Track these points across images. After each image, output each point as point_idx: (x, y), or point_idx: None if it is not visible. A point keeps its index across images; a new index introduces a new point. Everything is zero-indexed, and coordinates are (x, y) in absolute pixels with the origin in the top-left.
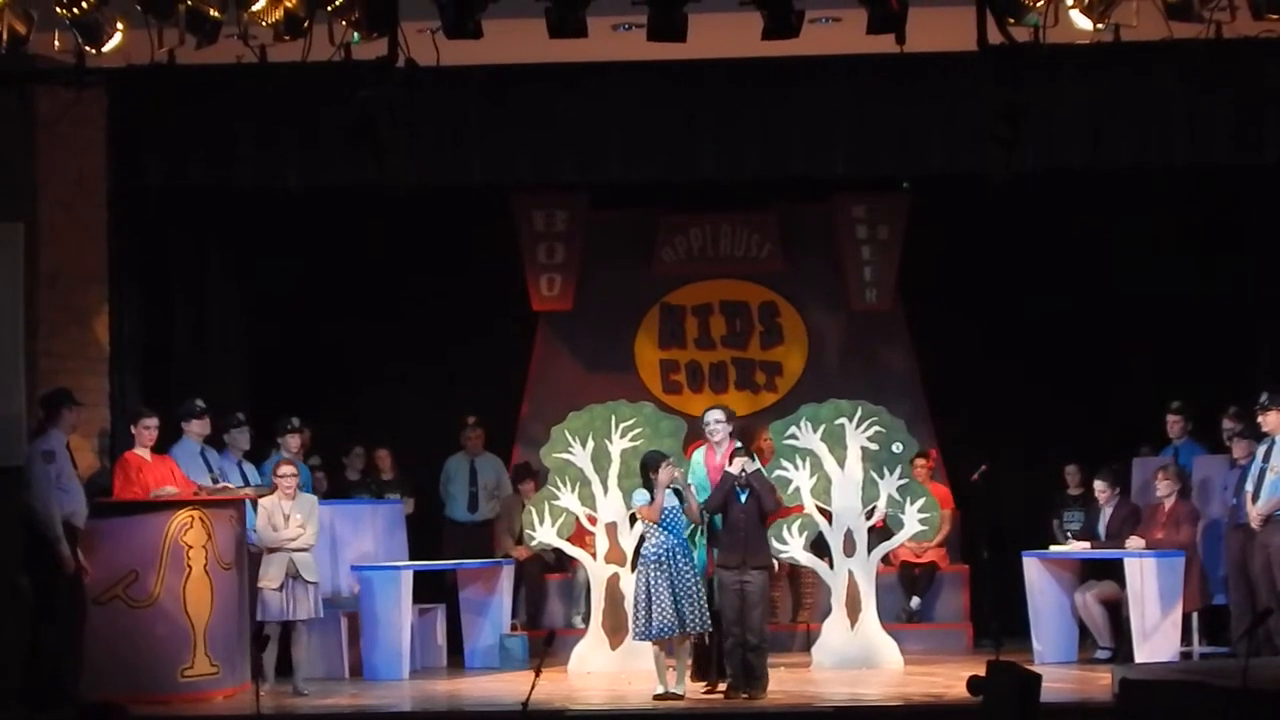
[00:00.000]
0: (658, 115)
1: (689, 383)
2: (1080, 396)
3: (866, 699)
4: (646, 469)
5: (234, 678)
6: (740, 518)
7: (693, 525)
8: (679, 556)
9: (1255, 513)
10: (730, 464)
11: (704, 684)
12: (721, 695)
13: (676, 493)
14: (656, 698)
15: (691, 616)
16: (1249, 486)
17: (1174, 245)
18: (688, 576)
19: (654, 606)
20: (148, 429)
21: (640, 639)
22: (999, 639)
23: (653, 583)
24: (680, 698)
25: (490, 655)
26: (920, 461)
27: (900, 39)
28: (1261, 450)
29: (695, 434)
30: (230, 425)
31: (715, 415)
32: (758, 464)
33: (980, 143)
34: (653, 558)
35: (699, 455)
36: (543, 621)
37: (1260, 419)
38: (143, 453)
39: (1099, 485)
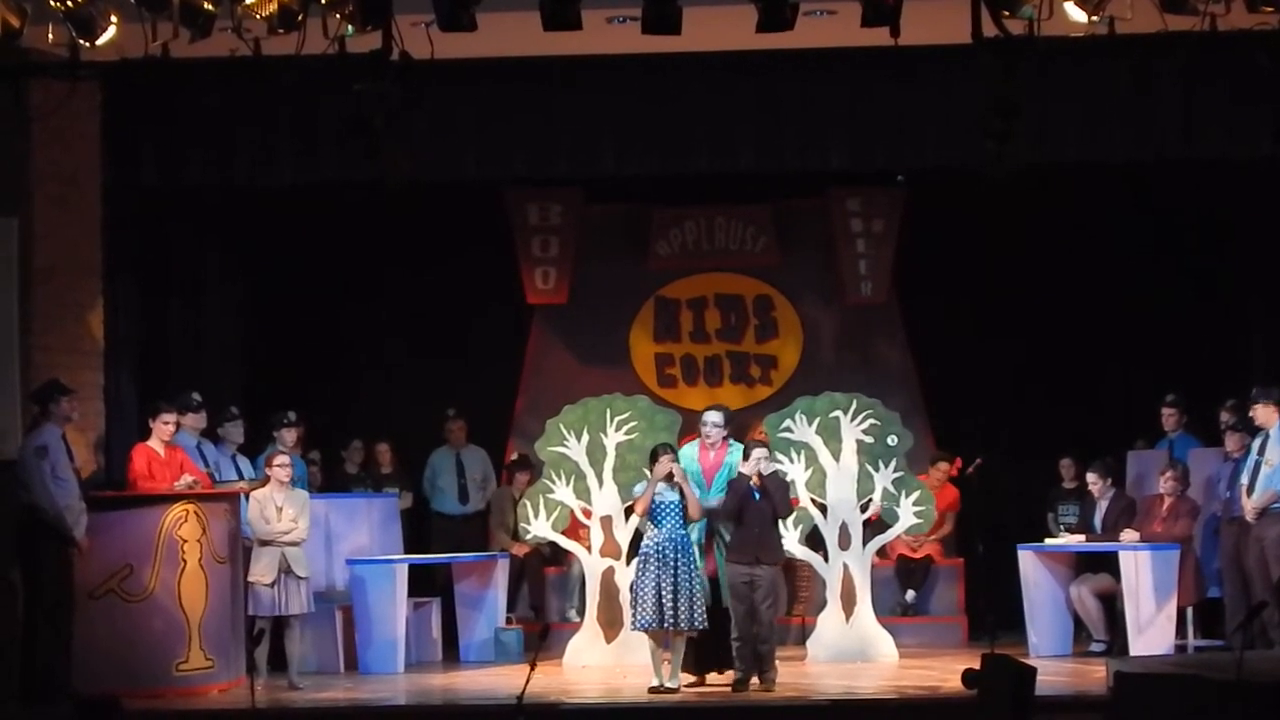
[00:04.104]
0: (652, 109)
1: (684, 376)
2: (1075, 389)
3: (861, 692)
4: (652, 460)
5: (229, 672)
6: (754, 516)
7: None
8: (670, 552)
9: (1250, 506)
10: (745, 459)
11: (695, 677)
12: (710, 688)
13: (679, 489)
14: (651, 690)
15: (674, 613)
16: (1243, 479)
17: (1169, 238)
18: (681, 573)
19: (637, 600)
20: (166, 424)
21: (632, 629)
22: (994, 632)
23: (639, 577)
24: (675, 691)
25: (485, 649)
26: (944, 466)
27: (895, 32)
28: (1256, 444)
29: (690, 428)
30: (224, 419)
31: (714, 418)
32: (773, 465)
33: (975, 136)
34: (643, 552)
35: (690, 449)
36: (542, 615)
37: (1251, 413)
38: (156, 445)
39: (1091, 477)
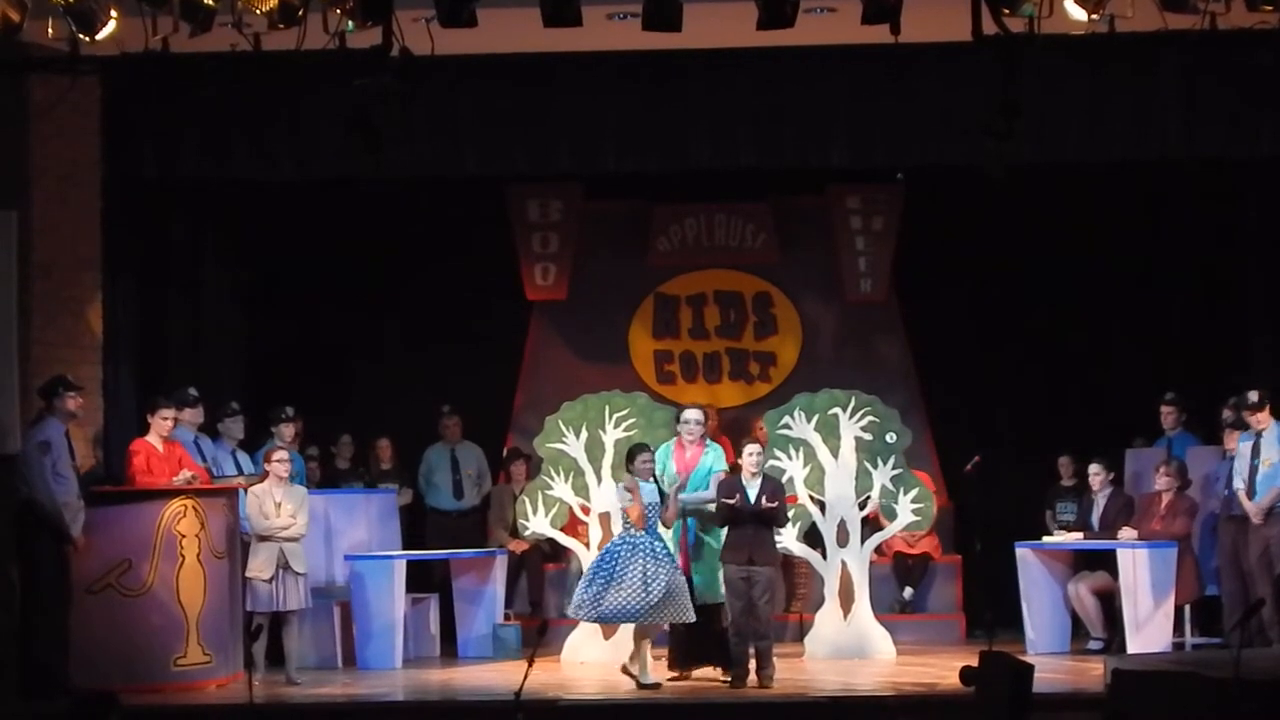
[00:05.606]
0: (652, 105)
1: (683, 373)
2: (1074, 387)
3: (859, 689)
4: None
5: (227, 667)
6: (749, 521)
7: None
8: (627, 551)
9: (1256, 508)
10: (745, 459)
11: (679, 671)
12: (708, 684)
13: (660, 492)
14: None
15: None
16: (1239, 483)
17: (1168, 238)
18: (631, 568)
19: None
20: (165, 419)
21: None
22: (992, 629)
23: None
24: (655, 687)
25: (483, 645)
26: None
27: (895, 30)
28: (1247, 446)
29: None
30: (224, 414)
31: (695, 415)
32: (769, 460)
33: (975, 134)
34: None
35: (666, 448)
36: (540, 611)
37: (1255, 415)
38: (154, 440)
39: (1094, 468)
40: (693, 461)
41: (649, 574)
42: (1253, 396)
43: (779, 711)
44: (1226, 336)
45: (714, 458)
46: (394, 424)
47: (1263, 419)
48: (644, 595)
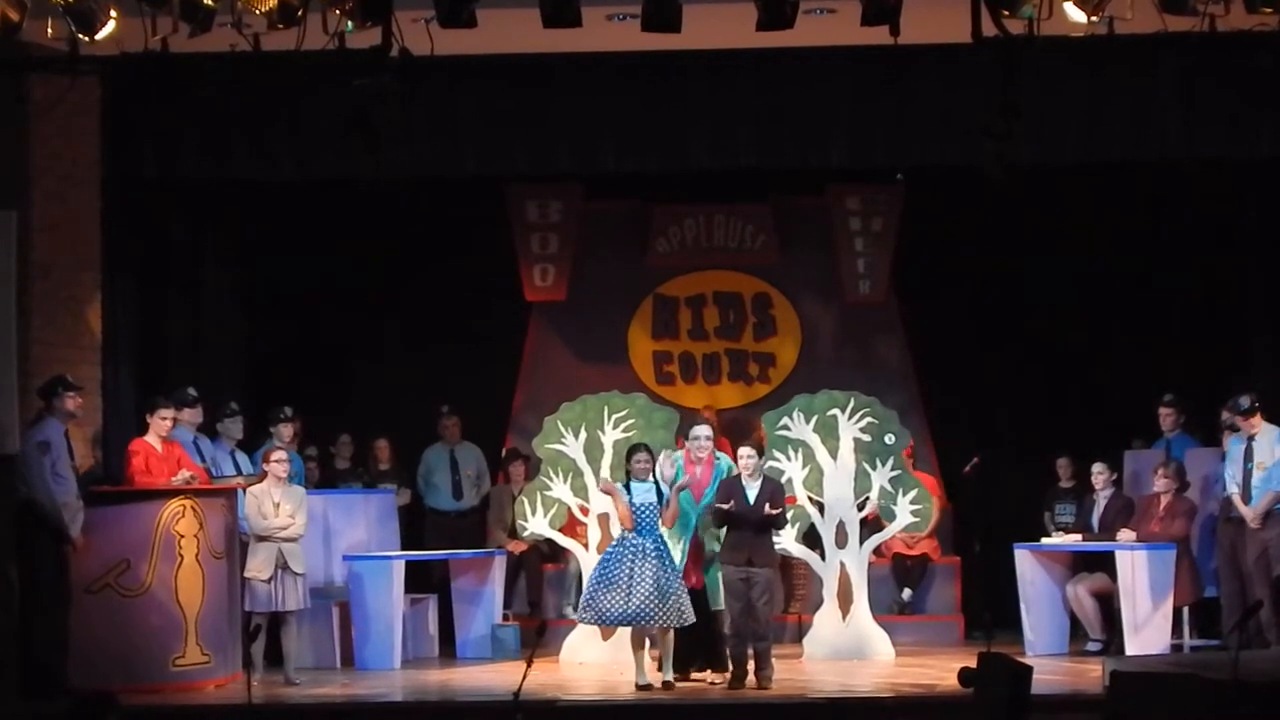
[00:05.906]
0: (652, 106)
1: (682, 374)
2: (1073, 389)
3: (858, 690)
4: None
5: (225, 667)
6: (747, 521)
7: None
8: (633, 553)
9: (1253, 514)
10: (739, 461)
11: (677, 674)
12: (706, 685)
13: (659, 492)
14: (639, 689)
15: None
16: (1233, 488)
17: (1168, 238)
18: (619, 570)
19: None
20: (164, 419)
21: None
22: (990, 631)
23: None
24: (670, 687)
25: (482, 645)
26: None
27: (895, 31)
28: (1239, 449)
29: (687, 426)
30: (224, 414)
31: (704, 431)
32: (769, 462)
33: (975, 135)
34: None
35: (679, 457)
36: (539, 612)
37: (1248, 420)
38: (153, 441)
39: (1098, 467)
40: (704, 478)
41: (635, 575)
42: (1244, 402)
43: (777, 712)
44: (1226, 336)
45: (727, 471)
46: (393, 424)
47: (1255, 424)
48: (627, 599)
